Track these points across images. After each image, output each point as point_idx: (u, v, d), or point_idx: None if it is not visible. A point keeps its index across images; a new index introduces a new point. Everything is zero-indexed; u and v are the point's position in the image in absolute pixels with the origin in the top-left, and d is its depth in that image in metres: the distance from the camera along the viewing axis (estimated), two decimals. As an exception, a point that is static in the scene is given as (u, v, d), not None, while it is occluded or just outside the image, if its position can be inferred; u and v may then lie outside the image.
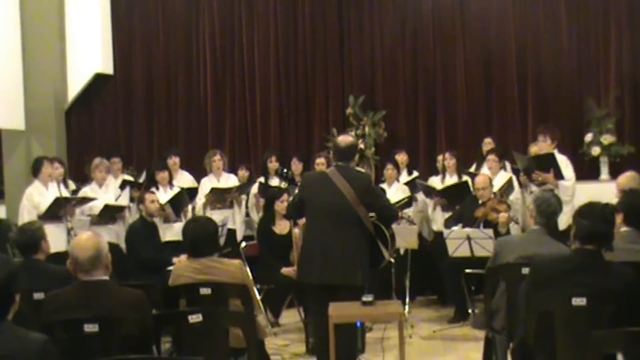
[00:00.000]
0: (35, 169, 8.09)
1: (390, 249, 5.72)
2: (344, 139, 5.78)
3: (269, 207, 8.08)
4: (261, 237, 8.02)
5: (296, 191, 6.29)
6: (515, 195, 8.28)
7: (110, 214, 8.19)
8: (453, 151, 9.03)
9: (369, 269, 5.63)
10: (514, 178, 8.37)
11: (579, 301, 3.79)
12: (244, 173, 9.35)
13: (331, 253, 5.48)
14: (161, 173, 8.59)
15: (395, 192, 8.71)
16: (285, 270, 7.49)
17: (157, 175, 8.59)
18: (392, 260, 6.12)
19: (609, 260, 3.99)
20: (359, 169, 6.97)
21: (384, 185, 8.92)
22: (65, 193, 7.98)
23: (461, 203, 8.19)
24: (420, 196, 8.94)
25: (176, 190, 8.52)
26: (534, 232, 5.03)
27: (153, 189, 8.19)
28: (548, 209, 4.99)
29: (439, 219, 8.63)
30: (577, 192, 7.60)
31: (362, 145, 10.10)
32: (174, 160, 9.08)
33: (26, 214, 7.77)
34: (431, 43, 10.76)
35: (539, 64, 10.46)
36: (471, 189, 8.29)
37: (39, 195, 7.89)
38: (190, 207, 8.63)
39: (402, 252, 8.07)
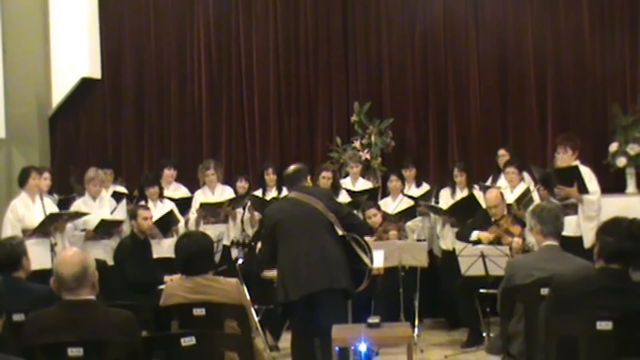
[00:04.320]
0: (22, 179, 8.03)
1: (369, 256, 5.94)
2: (289, 168, 6.29)
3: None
4: (252, 250, 8.03)
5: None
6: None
7: (106, 229, 8.21)
8: (462, 165, 9.01)
9: (354, 288, 5.89)
10: (533, 188, 8.33)
11: (604, 325, 3.76)
12: (243, 184, 9.33)
13: (312, 260, 5.76)
14: (151, 189, 8.62)
15: (399, 204, 8.74)
16: (266, 274, 7.55)
17: (146, 191, 8.63)
18: (375, 269, 6.28)
19: (637, 281, 3.96)
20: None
21: (387, 199, 8.95)
22: (51, 206, 7.96)
23: (471, 217, 8.19)
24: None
25: (166, 204, 8.56)
26: (548, 248, 4.97)
27: (146, 204, 8.22)
28: (549, 214, 4.91)
29: (448, 236, 8.65)
30: (601, 207, 7.56)
31: (367, 156, 10.09)
32: (171, 173, 9.11)
33: (9, 228, 7.73)
34: (442, 45, 10.73)
35: (559, 68, 10.41)
36: (480, 202, 8.30)
37: (25, 207, 7.86)
38: (182, 221, 8.64)
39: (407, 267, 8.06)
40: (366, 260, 5.88)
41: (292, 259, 5.85)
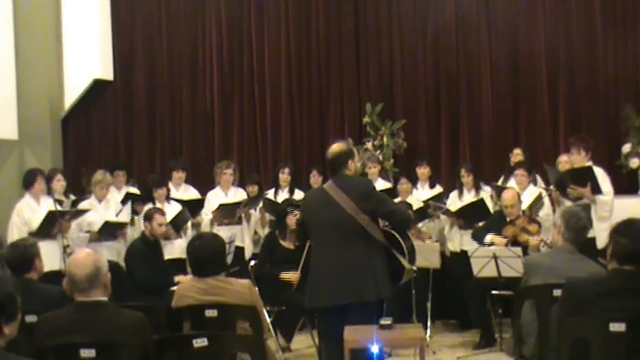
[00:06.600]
0: (27, 182, 8.07)
1: (409, 256, 5.63)
2: (332, 149, 5.73)
3: (280, 220, 8.08)
4: (265, 250, 8.03)
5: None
6: (545, 212, 8.22)
7: (110, 231, 8.20)
8: (469, 166, 8.99)
9: (392, 284, 5.57)
10: (544, 193, 8.31)
11: (617, 327, 3.74)
12: (253, 189, 9.31)
13: (339, 271, 5.45)
14: (159, 190, 8.62)
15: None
16: (285, 275, 7.53)
17: (154, 192, 8.62)
18: (414, 269, 6.00)
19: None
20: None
21: (396, 200, 8.91)
22: (60, 207, 7.97)
23: (480, 221, 8.16)
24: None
25: (173, 205, 8.56)
26: (564, 249, 4.98)
27: (161, 207, 8.22)
28: (577, 224, 4.96)
29: (456, 238, 8.66)
30: (614, 208, 7.53)
31: (380, 157, 10.06)
32: (179, 175, 9.10)
33: (16, 231, 7.75)
34: (454, 47, 10.73)
35: (571, 69, 10.40)
36: (488, 206, 8.29)
37: (30, 210, 7.88)
38: (189, 223, 8.64)
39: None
40: (402, 261, 5.68)
41: (320, 264, 5.58)
